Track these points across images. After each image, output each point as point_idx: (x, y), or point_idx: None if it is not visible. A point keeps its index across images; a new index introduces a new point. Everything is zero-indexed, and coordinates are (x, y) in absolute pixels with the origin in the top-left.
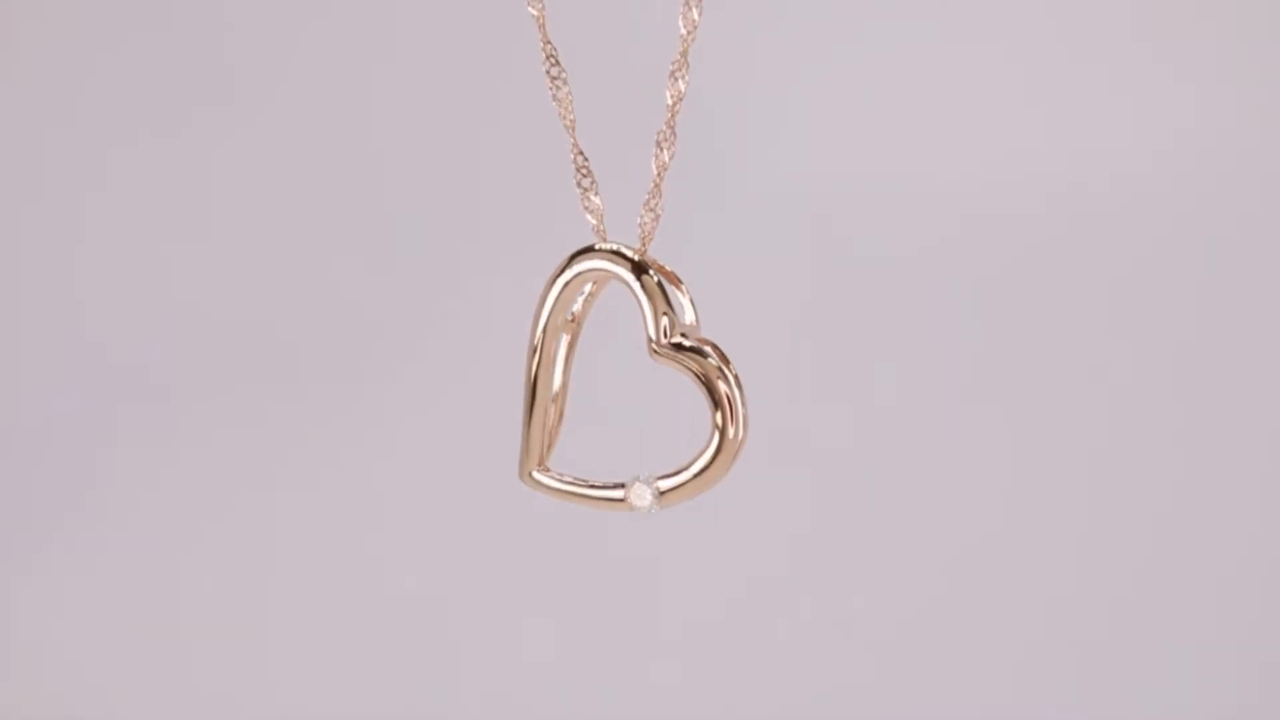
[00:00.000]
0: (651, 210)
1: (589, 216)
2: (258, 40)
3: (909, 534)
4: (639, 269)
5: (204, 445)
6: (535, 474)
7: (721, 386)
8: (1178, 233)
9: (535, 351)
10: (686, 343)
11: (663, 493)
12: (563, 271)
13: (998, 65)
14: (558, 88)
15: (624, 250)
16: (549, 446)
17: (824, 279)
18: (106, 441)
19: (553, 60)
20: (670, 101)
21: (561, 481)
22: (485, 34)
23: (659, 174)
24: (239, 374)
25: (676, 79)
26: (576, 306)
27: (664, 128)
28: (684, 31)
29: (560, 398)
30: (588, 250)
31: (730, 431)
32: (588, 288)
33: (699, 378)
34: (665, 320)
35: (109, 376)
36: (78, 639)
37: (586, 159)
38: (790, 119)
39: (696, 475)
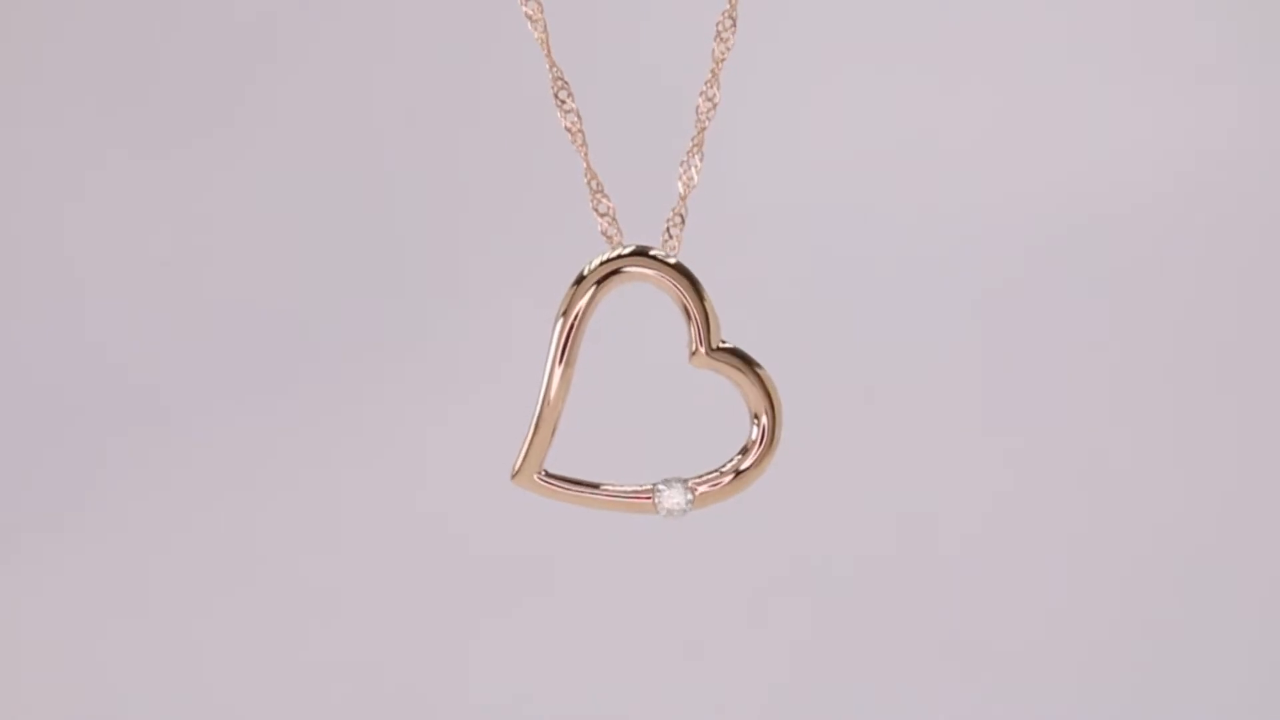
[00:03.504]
0: (679, 215)
1: (601, 224)
2: (263, 43)
3: (918, 538)
4: (687, 274)
5: (205, 449)
6: (538, 477)
7: (772, 390)
8: (1224, 235)
9: (562, 353)
10: (739, 349)
11: (699, 495)
12: (599, 274)
13: (1027, 69)
14: (567, 111)
15: (668, 256)
16: None
17: (832, 287)
18: (105, 443)
19: (561, 82)
20: (700, 120)
21: (570, 483)
22: (490, 38)
23: (685, 191)
24: (240, 376)
25: (708, 97)
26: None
27: (692, 146)
28: (718, 55)
29: None
30: (630, 255)
31: (777, 434)
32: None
33: (754, 381)
34: (715, 325)
35: (109, 378)
36: (76, 639)
37: (599, 180)
38: (802, 127)
39: (737, 478)
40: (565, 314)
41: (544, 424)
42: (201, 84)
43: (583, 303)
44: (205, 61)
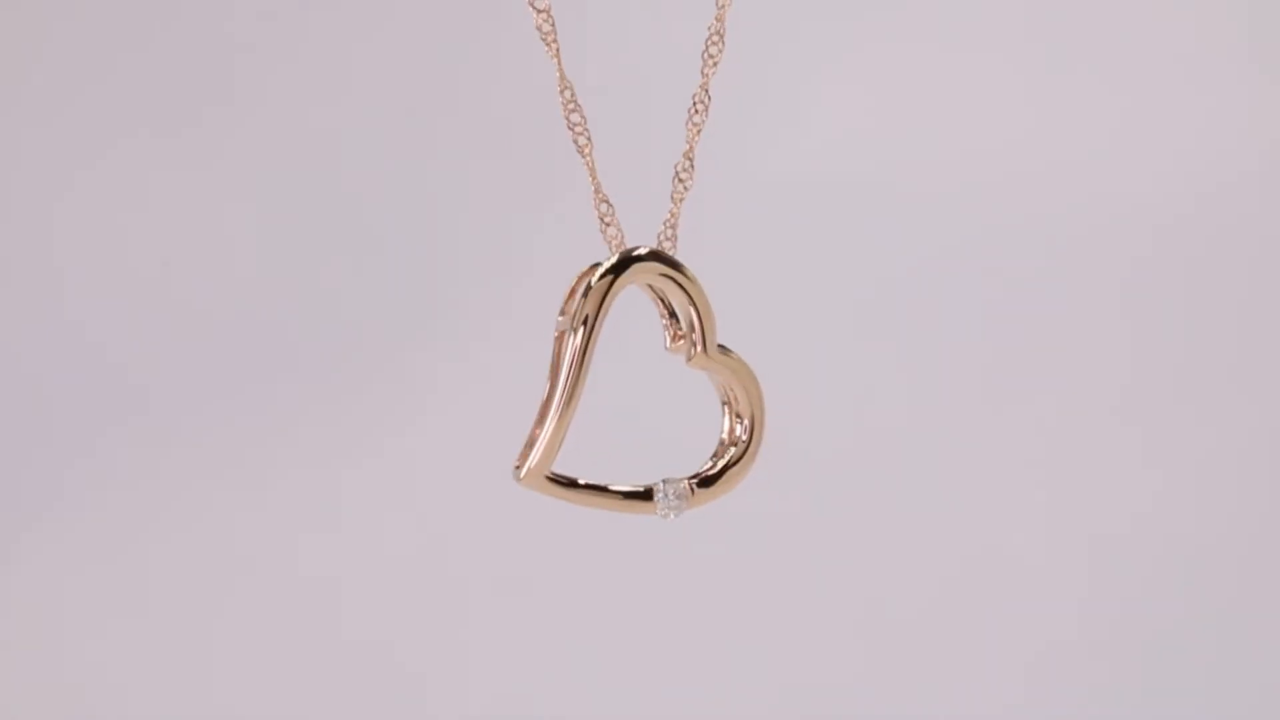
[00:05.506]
0: (670, 240)
1: (602, 226)
2: (260, 42)
3: (917, 536)
4: (690, 276)
5: (199, 447)
6: (548, 476)
7: (759, 390)
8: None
9: (581, 360)
10: (731, 350)
11: (695, 495)
12: (610, 280)
13: (1045, 63)
14: (571, 111)
15: (673, 257)
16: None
17: (827, 289)
18: (99, 440)
19: (568, 88)
20: (690, 135)
21: (575, 483)
22: (487, 36)
23: (679, 195)
24: (234, 374)
25: (698, 112)
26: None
27: (686, 149)
28: (705, 70)
29: None
30: (638, 258)
31: (760, 433)
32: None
33: (745, 381)
34: (712, 326)
35: (104, 375)
36: (67, 637)
37: (598, 182)
38: (809, 124)
39: (726, 477)
40: (583, 323)
41: (559, 428)
42: (197, 83)
43: (598, 310)
44: (201, 60)
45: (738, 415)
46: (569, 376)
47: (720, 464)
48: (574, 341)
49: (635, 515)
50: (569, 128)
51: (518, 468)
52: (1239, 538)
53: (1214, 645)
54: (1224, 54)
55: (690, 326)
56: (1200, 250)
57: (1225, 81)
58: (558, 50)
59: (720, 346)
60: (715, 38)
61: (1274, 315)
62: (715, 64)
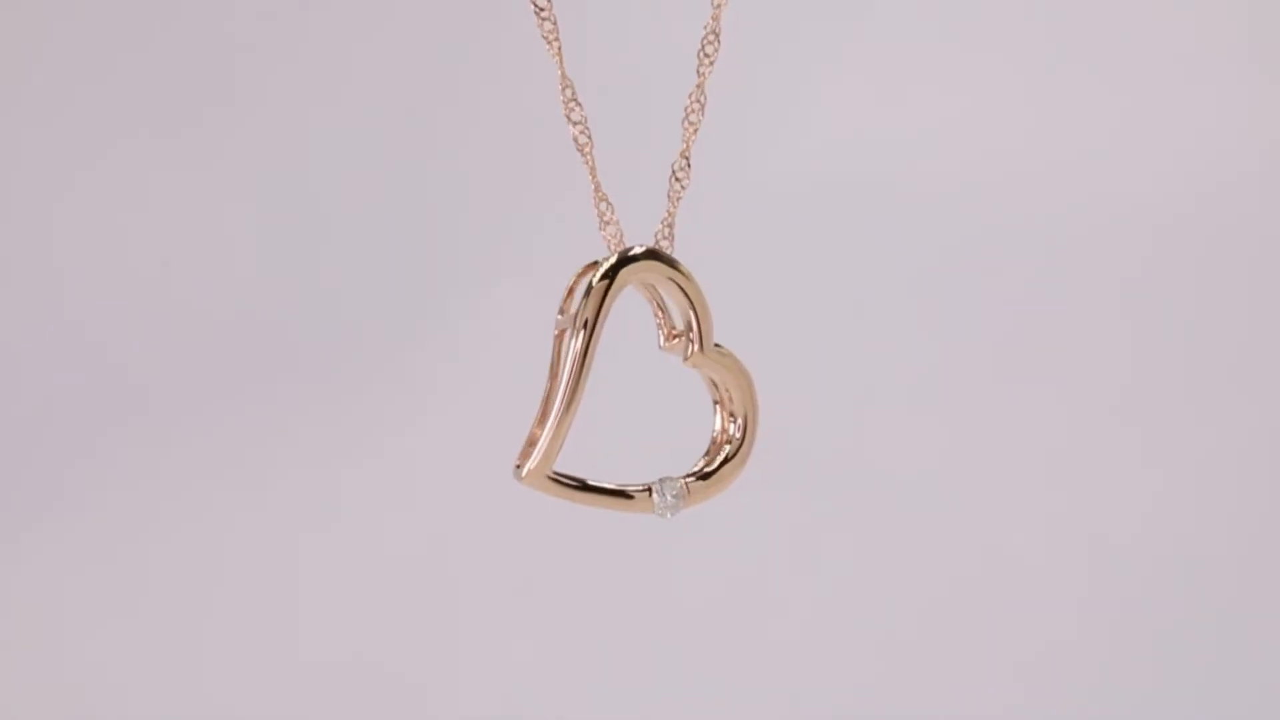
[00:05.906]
0: (667, 240)
1: (606, 230)
2: (256, 38)
3: (917, 537)
4: (689, 276)
5: (196, 448)
6: (549, 475)
7: (754, 389)
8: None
9: (583, 358)
10: (726, 349)
11: (690, 493)
12: (611, 280)
13: (1039, 60)
14: (574, 110)
15: (670, 256)
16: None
17: (820, 289)
18: (99, 440)
19: (571, 92)
20: (687, 134)
21: (576, 482)
22: (490, 35)
23: (673, 204)
24: (232, 374)
25: (694, 112)
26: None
27: (682, 150)
28: (701, 70)
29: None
30: (640, 257)
31: (754, 431)
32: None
33: (741, 380)
34: (710, 325)
35: (104, 375)
36: (59, 637)
37: (598, 181)
38: (808, 124)
39: (721, 476)
40: (583, 326)
41: (560, 430)
42: (197, 83)
43: (597, 312)
44: (201, 60)
45: (731, 414)
46: (569, 379)
47: (715, 462)
48: (574, 344)
49: (634, 514)
50: (570, 124)
51: (518, 467)
52: (1239, 538)
53: (1214, 645)
54: (1224, 54)
55: (688, 325)
56: (1200, 250)
57: (1225, 81)
58: (559, 50)
59: (719, 346)
60: (711, 37)
61: (1274, 315)
62: (711, 63)
